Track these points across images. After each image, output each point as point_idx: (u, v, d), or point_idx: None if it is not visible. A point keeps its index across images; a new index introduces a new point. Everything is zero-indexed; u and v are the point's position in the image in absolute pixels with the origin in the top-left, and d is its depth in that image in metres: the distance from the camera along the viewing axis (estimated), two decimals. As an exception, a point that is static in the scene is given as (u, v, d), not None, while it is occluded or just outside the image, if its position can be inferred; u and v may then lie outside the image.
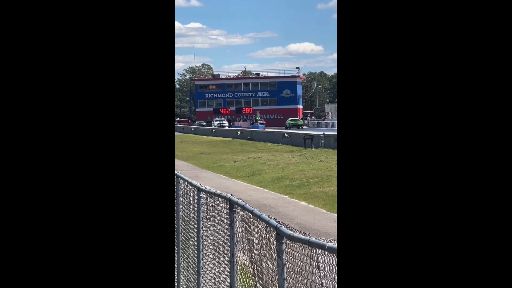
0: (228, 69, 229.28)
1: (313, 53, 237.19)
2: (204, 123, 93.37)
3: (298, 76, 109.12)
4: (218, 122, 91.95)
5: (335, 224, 14.83)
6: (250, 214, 5.50)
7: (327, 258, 4.03)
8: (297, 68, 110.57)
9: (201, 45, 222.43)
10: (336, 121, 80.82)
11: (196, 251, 7.55)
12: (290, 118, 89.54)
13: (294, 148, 41.19)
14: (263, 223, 5.11)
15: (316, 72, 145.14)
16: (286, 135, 47.82)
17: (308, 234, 4.34)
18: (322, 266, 4.10)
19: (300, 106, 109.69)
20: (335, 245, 3.85)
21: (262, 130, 66.92)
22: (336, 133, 43.96)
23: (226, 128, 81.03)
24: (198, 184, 7.56)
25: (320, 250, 4.03)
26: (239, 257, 6.23)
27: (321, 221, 15.44)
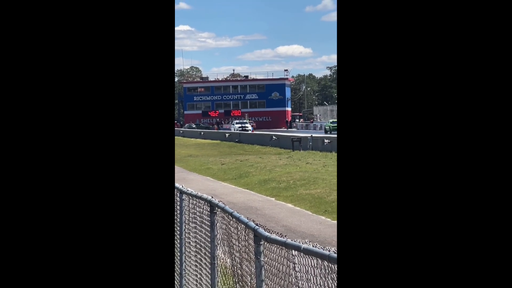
0: (216, 72, 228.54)
1: (301, 56, 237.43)
2: (194, 126, 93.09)
3: (287, 79, 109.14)
4: (240, 125, 77.23)
5: (321, 226, 14.86)
6: (230, 216, 5.52)
7: (303, 260, 4.06)
8: (286, 70, 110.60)
9: (189, 47, 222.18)
10: (325, 124, 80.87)
11: (178, 253, 7.56)
12: (331, 120, 70.71)
13: (282, 150, 41.21)
14: (243, 225, 5.13)
15: (304, 75, 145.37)
16: (274, 137, 47.84)
17: (285, 236, 4.37)
18: (298, 267, 4.14)
19: (289, 109, 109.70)
20: (311, 247, 3.88)
21: (251, 132, 66.86)
22: (323, 135, 44.07)
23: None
24: (181, 186, 7.58)
25: (296, 251, 4.06)
26: (221, 259, 6.25)
27: (307, 223, 15.46)
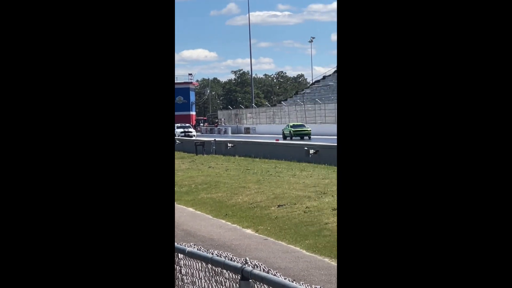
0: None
1: (206, 60, 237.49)
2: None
3: (191, 83, 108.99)
4: (182, 130, 67.11)
5: (220, 230, 14.95)
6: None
7: (189, 262, 4.12)
8: (190, 74, 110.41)
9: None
10: (229, 128, 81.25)
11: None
12: (292, 124, 56.10)
13: (185, 154, 41.15)
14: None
15: (209, 79, 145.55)
16: (177, 141, 47.70)
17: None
18: (184, 270, 4.18)
19: (193, 113, 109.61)
20: (195, 250, 3.94)
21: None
22: (226, 139, 44.28)
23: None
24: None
25: (182, 255, 4.11)
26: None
27: (207, 227, 15.53)
